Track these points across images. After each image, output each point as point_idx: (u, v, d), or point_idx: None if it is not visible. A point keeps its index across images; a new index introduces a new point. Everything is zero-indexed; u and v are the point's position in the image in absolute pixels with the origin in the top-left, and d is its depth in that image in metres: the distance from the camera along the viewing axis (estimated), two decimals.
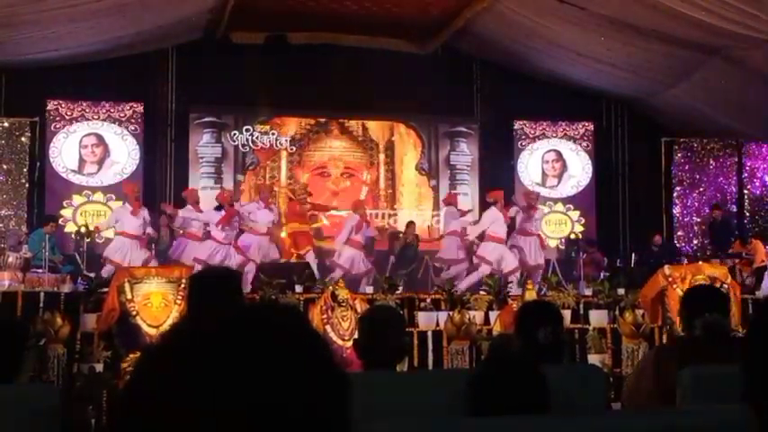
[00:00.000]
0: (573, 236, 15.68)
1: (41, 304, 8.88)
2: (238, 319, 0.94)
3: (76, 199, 14.96)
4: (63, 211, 14.74)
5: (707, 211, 15.95)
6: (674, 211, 16.45)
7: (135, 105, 15.48)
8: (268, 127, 16.28)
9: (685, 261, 12.90)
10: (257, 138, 16.17)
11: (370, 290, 10.43)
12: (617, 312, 9.73)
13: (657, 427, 1.87)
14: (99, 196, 15.09)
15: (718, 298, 3.91)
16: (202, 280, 3.67)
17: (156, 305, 8.63)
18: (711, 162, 16.55)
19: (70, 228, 14.50)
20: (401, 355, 3.70)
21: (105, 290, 8.89)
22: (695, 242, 16.10)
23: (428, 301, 9.95)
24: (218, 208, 12.76)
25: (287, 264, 12.61)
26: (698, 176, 16.50)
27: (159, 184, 15.44)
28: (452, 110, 16.82)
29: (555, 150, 17.15)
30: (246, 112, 16.15)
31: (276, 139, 16.28)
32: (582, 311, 9.97)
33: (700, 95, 14.99)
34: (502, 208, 12.78)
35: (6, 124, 14.62)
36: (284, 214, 14.49)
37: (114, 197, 15.06)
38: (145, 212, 12.65)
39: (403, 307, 9.44)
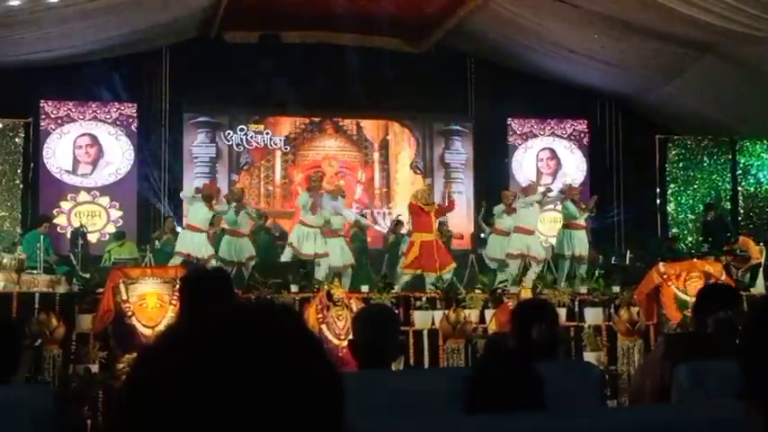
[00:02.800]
0: None
1: (36, 305, 8.86)
2: (234, 320, 0.94)
3: (82, 196, 14.99)
4: (62, 203, 14.75)
5: (701, 208, 15.98)
6: (669, 209, 16.48)
7: (129, 105, 15.47)
8: (262, 126, 16.28)
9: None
10: (251, 137, 16.17)
11: (365, 288, 10.41)
12: (612, 310, 9.74)
13: (653, 423, 1.88)
14: (105, 200, 15.12)
15: (732, 296, 3.94)
16: (194, 280, 3.67)
17: (152, 306, 8.62)
18: (705, 159, 16.58)
19: (61, 219, 14.50)
20: (396, 354, 3.70)
21: (100, 291, 8.87)
22: (690, 239, 16.12)
23: (424, 299, 9.94)
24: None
25: (282, 263, 12.57)
26: (692, 174, 16.53)
27: (154, 185, 15.42)
28: (447, 108, 16.83)
29: (549, 148, 17.18)
30: (240, 112, 16.14)
31: (270, 139, 16.28)
32: (577, 309, 9.98)
33: (693, 93, 15.01)
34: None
35: (0, 125, 14.59)
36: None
37: (118, 205, 15.11)
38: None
39: (398, 306, 9.44)
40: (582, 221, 12.40)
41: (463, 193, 16.49)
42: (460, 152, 16.99)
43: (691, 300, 9.23)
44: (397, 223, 14.51)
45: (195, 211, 11.66)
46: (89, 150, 15.29)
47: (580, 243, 12.09)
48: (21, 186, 14.57)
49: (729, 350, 3.05)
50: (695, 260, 10.84)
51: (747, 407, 1.42)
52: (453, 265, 11.44)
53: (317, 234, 11.64)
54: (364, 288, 10.40)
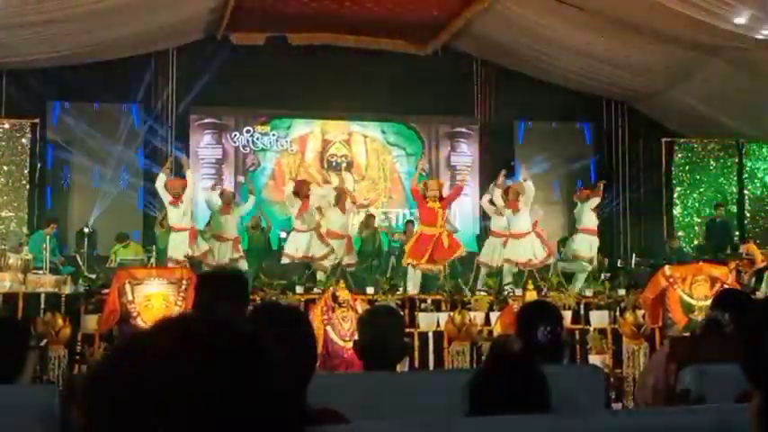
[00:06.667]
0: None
1: (42, 305, 8.89)
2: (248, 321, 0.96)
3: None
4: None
5: (707, 211, 15.94)
6: (675, 212, 16.44)
7: (135, 106, 15.49)
8: (268, 128, 16.30)
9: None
10: (258, 139, 16.19)
11: (371, 290, 10.42)
12: (618, 313, 9.74)
13: (656, 426, 1.88)
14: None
15: (738, 299, 3.99)
16: (211, 280, 3.66)
17: (157, 306, 8.63)
18: (712, 162, 16.53)
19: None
20: (401, 356, 3.70)
21: (106, 291, 8.89)
22: (696, 242, 16.08)
23: (429, 301, 9.96)
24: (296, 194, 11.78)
25: (287, 264, 12.56)
26: (698, 177, 16.48)
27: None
28: (453, 110, 16.83)
29: (555, 150, 17.15)
30: (247, 114, 16.16)
31: (276, 140, 16.29)
32: (583, 312, 9.98)
33: (700, 96, 14.98)
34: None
35: (7, 126, 14.61)
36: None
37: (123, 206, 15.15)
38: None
39: (404, 307, 9.45)
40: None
41: (469, 195, 16.48)
42: (466, 154, 16.99)
43: (696, 303, 9.24)
44: (368, 217, 14.42)
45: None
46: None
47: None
48: (27, 187, 14.59)
49: (715, 350, 3.06)
50: (701, 264, 10.82)
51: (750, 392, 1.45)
52: (448, 260, 11.16)
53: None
54: (370, 290, 10.41)
